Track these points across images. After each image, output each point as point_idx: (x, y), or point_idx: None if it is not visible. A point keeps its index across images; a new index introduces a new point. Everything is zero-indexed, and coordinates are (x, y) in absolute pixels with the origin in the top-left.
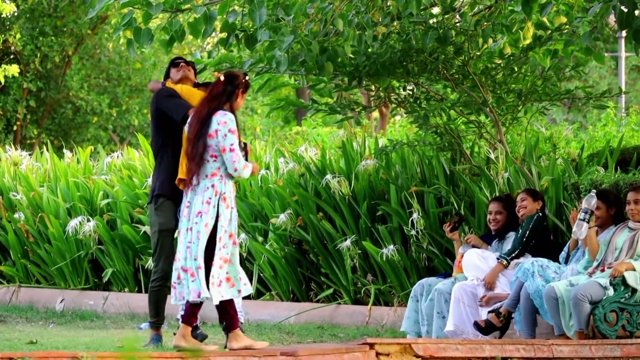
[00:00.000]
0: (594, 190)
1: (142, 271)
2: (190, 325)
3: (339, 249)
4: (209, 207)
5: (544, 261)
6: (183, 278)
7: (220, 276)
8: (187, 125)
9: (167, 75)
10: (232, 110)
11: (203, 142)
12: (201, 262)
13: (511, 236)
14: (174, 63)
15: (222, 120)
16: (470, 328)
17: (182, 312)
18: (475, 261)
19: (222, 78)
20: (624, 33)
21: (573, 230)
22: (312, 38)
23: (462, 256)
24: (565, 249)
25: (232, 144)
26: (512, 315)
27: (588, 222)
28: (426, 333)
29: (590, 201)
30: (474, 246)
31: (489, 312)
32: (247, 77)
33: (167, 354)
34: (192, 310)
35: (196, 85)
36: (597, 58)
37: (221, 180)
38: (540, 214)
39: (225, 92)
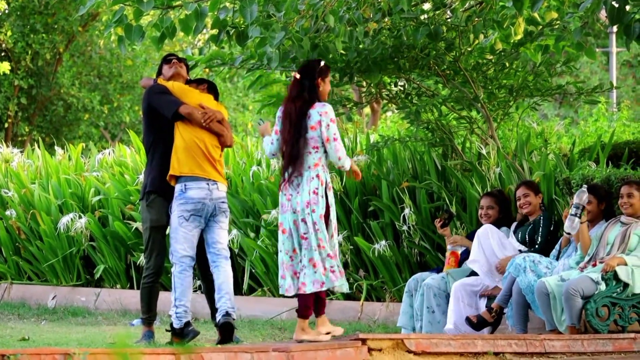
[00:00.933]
0: (585, 185)
1: (134, 267)
2: (307, 318)
3: None
4: (317, 198)
5: (535, 256)
6: (302, 269)
7: (334, 265)
8: (279, 116)
9: (159, 72)
10: (323, 100)
11: (304, 140)
12: (329, 250)
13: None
14: (166, 60)
15: (323, 111)
16: (468, 326)
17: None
18: (494, 247)
19: (297, 76)
20: (615, 28)
21: (565, 225)
22: (303, 34)
23: (451, 253)
24: (557, 246)
25: (334, 134)
26: (504, 311)
27: (580, 217)
28: (420, 328)
29: (581, 196)
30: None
31: (486, 306)
32: (322, 63)
33: (159, 350)
34: (304, 302)
35: (188, 82)
36: (588, 53)
37: (324, 170)
38: (548, 213)
39: (305, 88)
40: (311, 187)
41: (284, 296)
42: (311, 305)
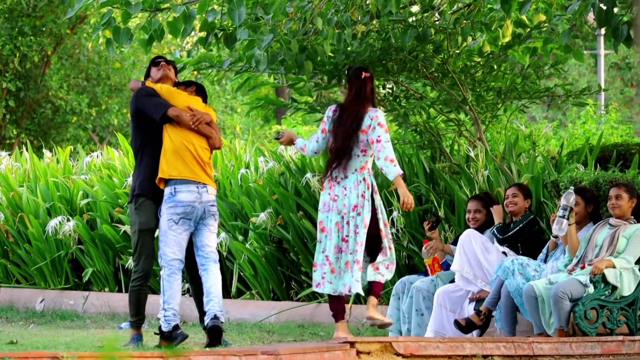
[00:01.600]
0: (572, 187)
1: (122, 271)
2: (341, 319)
3: None
4: (364, 201)
5: (524, 259)
6: (342, 270)
7: (387, 261)
8: (329, 115)
9: (147, 74)
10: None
11: (356, 139)
12: (359, 257)
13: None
14: (155, 62)
15: (374, 116)
16: (450, 332)
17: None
18: (477, 253)
19: (368, 76)
20: (603, 31)
21: (553, 227)
22: (291, 37)
23: (433, 260)
24: (544, 250)
25: (379, 136)
26: (492, 314)
27: (568, 219)
28: (407, 331)
29: (568, 198)
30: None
31: (474, 309)
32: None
33: (147, 353)
34: (336, 304)
35: (176, 84)
36: (576, 56)
37: (369, 173)
38: (533, 215)
39: (363, 94)
40: (359, 191)
41: (272, 299)
42: (342, 307)
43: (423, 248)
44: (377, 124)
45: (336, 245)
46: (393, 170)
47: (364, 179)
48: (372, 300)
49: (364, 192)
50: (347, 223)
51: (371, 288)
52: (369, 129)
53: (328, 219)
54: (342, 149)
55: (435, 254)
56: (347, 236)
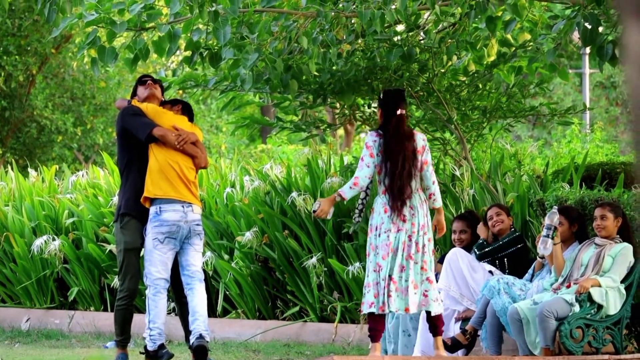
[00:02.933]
0: (556, 207)
1: (108, 290)
2: (440, 334)
3: (305, 266)
4: (427, 221)
5: (509, 278)
6: (409, 288)
7: (429, 289)
8: (374, 140)
9: (134, 93)
10: None
11: (414, 160)
12: (431, 275)
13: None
14: (141, 81)
15: (423, 137)
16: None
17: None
18: (464, 271)
19: (403, 110)
20: (588, 50)
21: (538, 247)
22: (276, 56)
23: None
24: (530, 269)
25: (431, 158)
26: (478, 333)
27: (552, 238)
28: (392, 351)
29: (552, 217)
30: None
31: (460, 328)
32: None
33: None
34: (436, 322)
35: (163, 103)
36: (561, 75)
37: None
38: (518, 233)
39: (405, 118)
40: (424, 210)
41: (258, 318)
42: (382, 327)
43: None
44: (427, 146)
45: (400, 264)
46: (440, 199)
47: (425, 200)
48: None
49: (427, 212)
50: (416, 243)
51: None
52: (423, 150)
53: (396, 239)
54: (403, 171)
55: None
56: (413, 254)
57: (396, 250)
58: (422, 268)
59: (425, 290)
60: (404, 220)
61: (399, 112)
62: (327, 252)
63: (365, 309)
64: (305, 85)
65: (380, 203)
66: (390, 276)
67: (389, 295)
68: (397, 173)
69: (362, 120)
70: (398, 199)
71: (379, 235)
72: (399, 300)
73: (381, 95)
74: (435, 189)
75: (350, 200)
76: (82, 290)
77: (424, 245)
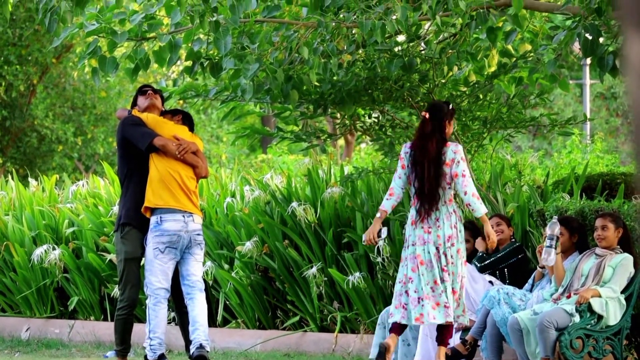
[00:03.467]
0: (555, 217)
1: (108, 299)
2: (446, 345)
3: (305, 276)
4: (456, 232)
5: (509, 288)
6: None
7: (462, 297)
8: (406, 152)
9: (134, 103)
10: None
11: (441, 176)
12: (457, 287)
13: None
14: (142, 91)
15: (456, 149)
16: None
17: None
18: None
19: (427, 116)
20: (588, 60)
21: (542, 258)
22: (277, 66)
23: None
24: (530, 279)
25: (464, 170)
26: (478, 343)
27: (555, 249)
28: None
29: (553, 228)
30: None
31: (460, 338)
32: (450, 106)
33: None
34: (445, 331)
35: (163, 113)
36: (562, 85)
37: (457, 205)
38: (518, 243)
39: (436, 127)
40: (452, 222)
41: (258, 328)
42: (447, 334)
43: None
44: (460, 159)
45: (435, 277)
46: (480, 208)
47: (454, 211)
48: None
49: (456, 223)
50: (444, 254)
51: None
52: (452, 163)
53: (425, 252)
54: (430, 184)
55: None
56: (445, 266)
57: (430, 262)
58: (452, 280)
59: (445, 303)
60: (428, 232)
61: (423, 117)
62: (327, 262)
63: (413, 321)
64: (305, 95)
65: (410, 216)
66: (422, 289)
67: (422, 307)
68: (419, 185)
69: (363, 131)
70: (423, 212)
71: (407, 247)
72: (438, 312)
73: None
74: (469, 199)
75: (351, 211)
76: (82, 299)
77: (451, 256)
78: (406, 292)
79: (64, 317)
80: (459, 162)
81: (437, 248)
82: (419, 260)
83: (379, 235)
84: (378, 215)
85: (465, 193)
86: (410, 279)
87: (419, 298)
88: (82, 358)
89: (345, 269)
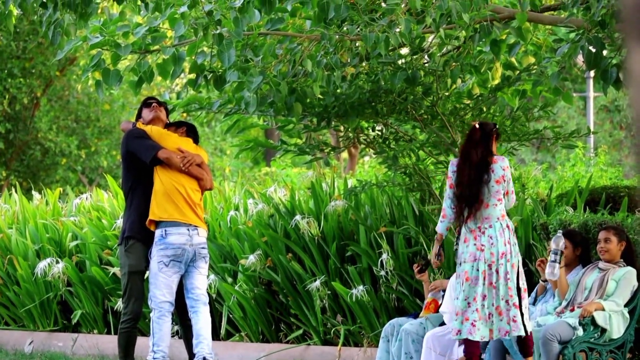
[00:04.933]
0: (560, 231)
1: (112, 313)
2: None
3: (309, 289)
4: (510, 247)
5: None
6: (493, 315)
7: (517, 314)
8: (454, 170)
9: (139, 115)
10: None
11: (487, 188)
12: (516, 300)
13: None
14: (146, 103)
15: (505, 166)
16: None
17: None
18: None
19: (477, 125)
20: (592, 73)
21: (546, 272)
22: (280, 79)
23: (432, 300)
24: (533, 293)
25: (512, 186)
26: (482, 356)
27: (559, 263)
28: None
29: (558, 242)
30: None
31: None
32: (496, 127)
33: None
34: (473, 347)
35: (167, 125)
36: (565, 98)
37: (509, 220)
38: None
39: (483, 137)
40: (505, 238)
41: (262, 341)
42: (478, 351)
43: (427, 287)
44: (509, 175)
45: (481, 293)
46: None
47: (507, 226)
48: None
49: (510, 238)
50: (497, 271)
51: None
52: (502, 179)
53: (473, 269)
54: (472, 198)
55: (439, 297)
56: (495, 282)
57: (476, 279)
58: (508, 294)
59: (514, 317)
60: (482, 250)
61: (473, 127)
62: (330, 275)
63: (465, 334)
64: (309, 108)
65: (463, 233)
66: (469, 304)
67: (472, 324)
68: (464, 197)
69: (366, 144)
70: (475, 229)
71: (460, 264)
72: (483, 327)
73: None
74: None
75: (354, 224)
76: (85, 313)
77: (506, 273)
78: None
79: (67, 331)
80: (508, 180)
81: (489, 265)
82: (465, 277)
83: (439, 255)
84: (438, 237)
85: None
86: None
87: (463, 312)
88: None
89: (349, 282)
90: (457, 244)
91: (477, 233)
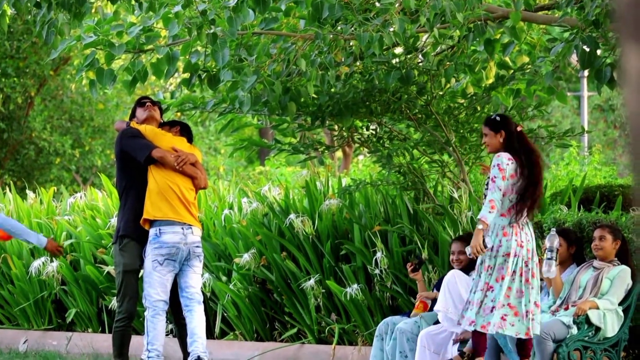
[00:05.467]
0: (554, 229)
1: (106, 311)
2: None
3: (303, 288)
4: (535, 246)
5: None
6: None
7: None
8: (508, 164)
9: (132, 115)
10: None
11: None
12: (536, 297)
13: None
14: (140, 103)
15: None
16: None
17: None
18: (462, 293)
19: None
20: (586, 72)
21: (543, 269)
22: (275, 78)
23: (421, 301)
24: None
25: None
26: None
27: (555, 260)
28: None
29: (553, 240)
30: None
31: (458, 350)
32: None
33: None
34: (481, 340)
35: (161, 124)
36: (559, 97)
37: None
38: None
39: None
40: (535, 235)
41: (256, 340)
42: (485, 345)
43: (419, 287)
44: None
45: (518, 289)
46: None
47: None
48: None
49: (532, 235)
50: (532, 268)
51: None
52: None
53: (514, 264)
54: (533, 196)
55: (429, 301)
56: (531, 279)
57: (512, 275)
58: (536, 293)
59: (534, 315)
60: (521, 246)
61: (519, 128)
62: (324, 273)
63: (465, 324)
64: (303, 107)
65: (499, 225)
66: (508, 301)
67: (502, 318)
68: (530, 193)
69: (361, 143)
70: (517, 225)
71: (494, 257)
72: (519, 324)
73: (498, 118)
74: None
75: (348, 223)
76: (80, 311)
77: (532, 268)
78: (490, 301)
79: (61, 329)
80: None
81: (525, 262)
82: (508, 271)
83: (484, 246)
84: (480, 227)
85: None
86: (490, 288)
87: (492, 307)
88: None
89: (343, 280)
90: (486, 235)
91: (518, 229)
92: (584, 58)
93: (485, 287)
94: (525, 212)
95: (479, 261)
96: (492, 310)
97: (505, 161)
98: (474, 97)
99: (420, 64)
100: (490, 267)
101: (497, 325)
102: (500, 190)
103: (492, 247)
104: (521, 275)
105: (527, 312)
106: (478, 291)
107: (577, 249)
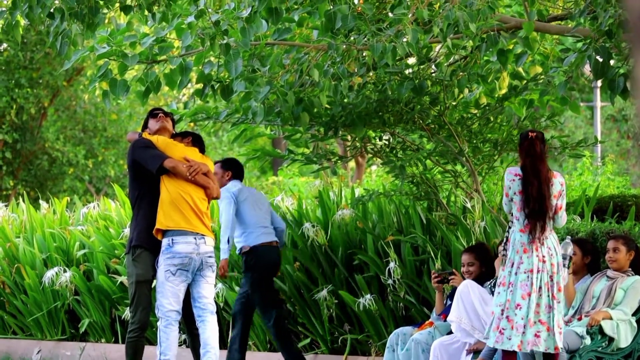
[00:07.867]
0: (569, 237)
1: (119, 322)
2: None
3: (316, 298)
4: (560, 260)
5: None
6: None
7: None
8: (512, 179)
9: (145, 126)
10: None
11: (550, 201)
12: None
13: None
14: (153, 114)
15: (562, 182)
16: None
17: None
18: (475, 304)
19: (533, 136)
20: (599, 83)
21: None
22: (288, 88)
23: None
24: None
25: (565, 204)
26: None
27: (568, 268)
28: None
29: (566, 247)
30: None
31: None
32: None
33: None
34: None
35: (173, 135)
36: (572, 108)
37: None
38: None
39: (543, 149)
40: (559, 249)
41: (269, 350)
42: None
43: (433, 279)
44: (565, 193)
45: (547, 304)
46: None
47: (557, 241)
48: None
49: (556, 251)
50: (557, 282)
51: None
52: (558, 195)
53: (538, 279)
54: (541, 213)
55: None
56: (557, 294)
57: (539, 290)
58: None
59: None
60: (544, 261)
61: (525, 153)
62: (337, 284)
63: (490, 343)
64: (316, 117)
65: (519, 242)
66: (529, 316)
67: (536, 336)
68: (537, 214)
69: (374, 153)
70: (535, 240)
71: (516, 273)
72: (550, 339)
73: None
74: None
75: (361, 233)
76: (93, 322)
77: (557, 282)
78: (507, 317)
79: (75, 340)
80: (563, 196)
81: (550, 277)
82: (533, 287)
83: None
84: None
85: (560, 226)
86: (518, 306)
87: (524, 325)
88: None
89: (356, 291)
90: (506, 249)
91: (538, 244)
92: (597, 68)
93: (509, 305)
94: (539, 228)
95: (500, 276)
96: (524, 328)
97: (509, 177)
98: (487, 108)
99: (433, 75)
100: (512, 283)
101: (531, 343)
102: (506, 205)
103: (513, 263)
104: (548, 290)
105: (553, 327)
106: (496, 307)
107: (592, 260)
